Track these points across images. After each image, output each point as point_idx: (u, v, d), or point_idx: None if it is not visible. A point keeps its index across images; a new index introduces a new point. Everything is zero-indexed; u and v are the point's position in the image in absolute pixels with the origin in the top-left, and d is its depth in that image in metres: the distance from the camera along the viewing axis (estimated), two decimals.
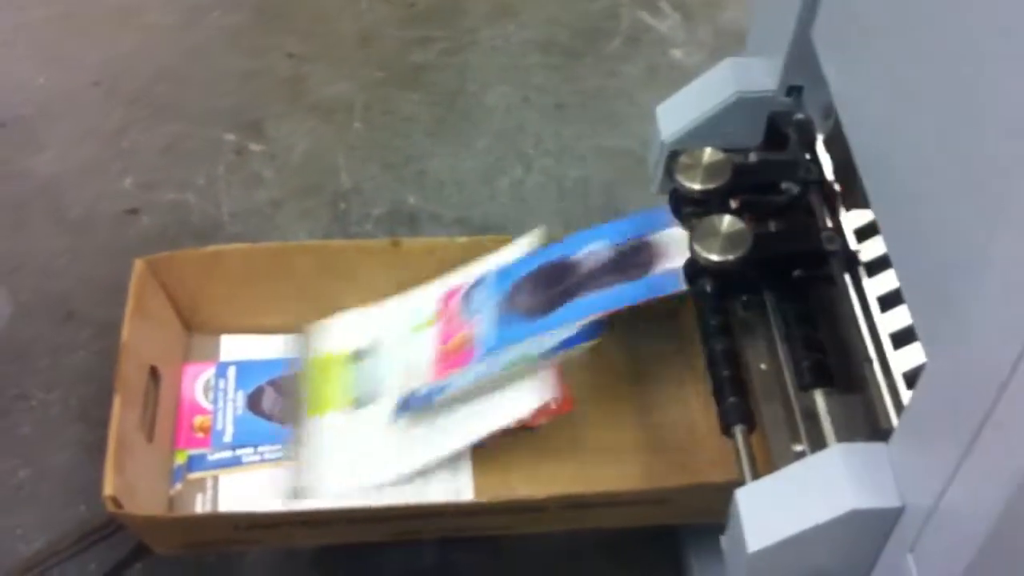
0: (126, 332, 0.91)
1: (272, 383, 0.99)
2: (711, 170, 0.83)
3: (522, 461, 0.94)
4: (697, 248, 0.79)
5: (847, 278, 0.76)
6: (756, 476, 0.72)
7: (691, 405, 0.97)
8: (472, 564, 0.99)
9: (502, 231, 1.25)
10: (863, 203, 0.75)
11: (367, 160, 1.35)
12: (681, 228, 0.88)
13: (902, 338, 0.71)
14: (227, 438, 0.95)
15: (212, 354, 1.01)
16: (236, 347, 1.01)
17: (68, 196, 1.29)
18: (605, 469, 0.94)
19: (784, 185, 0.82)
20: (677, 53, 1.49)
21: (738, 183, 0.83)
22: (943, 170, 0.58)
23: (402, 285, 1.02)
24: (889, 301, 0.73)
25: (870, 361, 0.72)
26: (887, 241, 0.67)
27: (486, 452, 0.95)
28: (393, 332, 1.00)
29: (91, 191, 1.30)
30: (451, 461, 0.94)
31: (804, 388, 0.75)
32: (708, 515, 0.76)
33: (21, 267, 1.21)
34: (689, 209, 0.84)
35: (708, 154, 0.84)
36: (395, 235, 1.23)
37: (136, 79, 1.43)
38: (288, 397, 0.98)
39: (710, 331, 0.81)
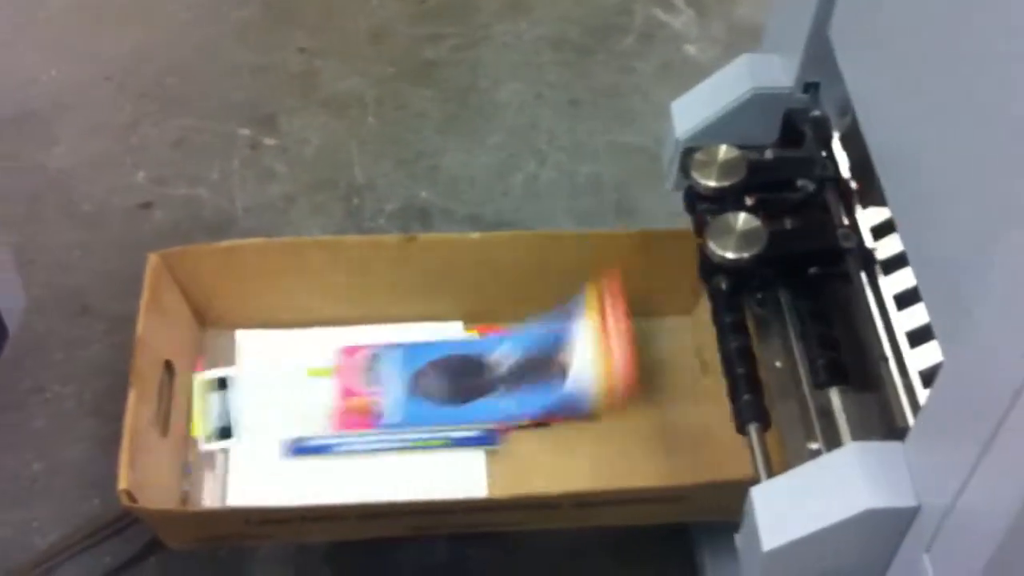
0: (141, 327, 0.91)
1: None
2: (726, 167, 0.83)
3: (536, 457, 0.95)
4: (712, 246, 0.78)
5: (863, 276, 0.76)
6: (771, 474, 0.72)
7: (705, 403, 0.97)
8: (485, 560, 0.99)
9: (515, 227, 1.26)
10: (879, 201, 0.75)
11: (380, 155, 1.35)
12: (589, 343, 0.97)
13: (918, 336, 0.70)
14: None
15: (227, 349, 1.01)
16: (250, 342, 1.01)
17: (81, 190, 1.30)
18: (619, 466, 0.94)
19: (800, 182, 0.82)
20: (691, 49, 1.49)
21: (753, 180, 0.82)
22: (961, 168, 0.57)
23: (415, 281, 1.02)
24: (905, 299, 0.72)
25: (886, 359, 0.72)
26: (904, 239, 0.67)
27: (500, 448, 0.95)
28: (288, 368, 1.00)
29: (104, 185, 1.30)
30: (464, 458, 0.94)
31: (819, 386, 0.75)
32: (722, 513, 0.76)
33: (34, 261, 1.22)
34: (704, 206, 0.83)
35: (723, 151, 0.83)
36: (408, 231, 1.24)
37: (148, 73, 1.43)
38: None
39: (725, 329, 0.80)
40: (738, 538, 0.69)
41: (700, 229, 0.81)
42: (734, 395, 0.78)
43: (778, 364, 0.82)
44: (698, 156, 0.83)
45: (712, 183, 0.82)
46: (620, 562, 0.99)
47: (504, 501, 0.87)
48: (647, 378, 1.00)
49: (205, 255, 1.00)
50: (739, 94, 0.86)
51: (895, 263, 0.74)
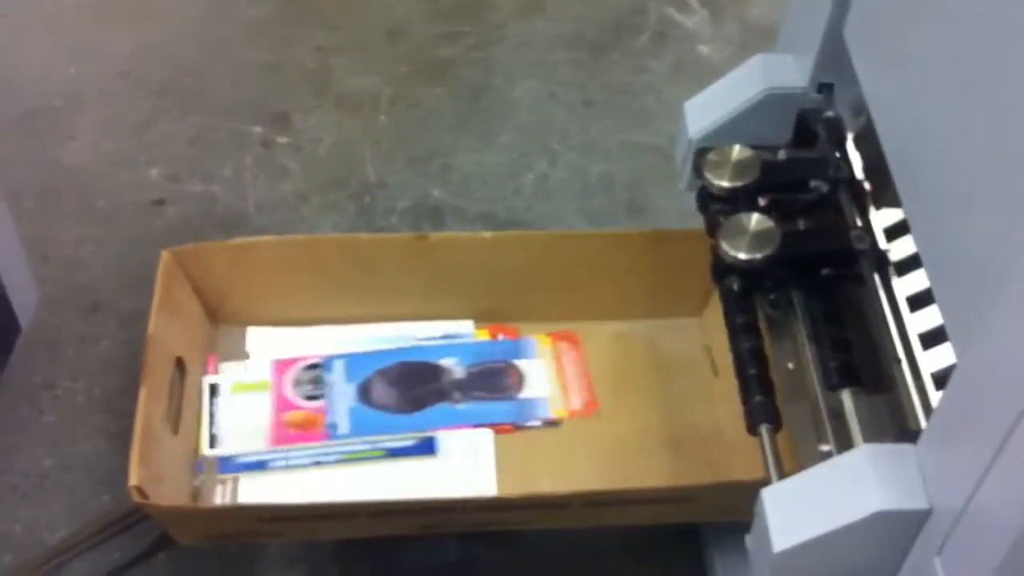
0: (152, 324, 0.91)
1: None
2: (739, 167, 0.82)
3: (546, 457, 0.94)
4: (725, 246, 0.78)
5: (876, 277, 0.75)
6: (782, 476, 0.71)
7: (717, 403, 0.97)
8: (493, 560, 0.99)
9: (526, 226, 1.26)
10: (893, 202, 0.75)
11: (392, 154, 1.35)
12: (540, 360, 0.98)
13: (931, 338, 0.70)
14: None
15: (238, 346, 1.01)
16: (262, 339, 1.01)
17: (95, 186, 1.30)
18: (629, 466, 0.93)
19: (813, 183, 0.82)
20: (705, 49, 1.49)
21: (767, 181, 0.82)
22: (977, 169, 0.57)
23: (426, 279, 1.02)
24: (918, 301, 0.72)
25: (899, 361, 0.71)
26: (918, 241, 0.67)
27: (510, 447, 0.95)
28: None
29: (118, 181, 1.31)
30: (474, 456, 0.94)
31: (831, 388, 0.74)
32: (732, 514, 0.76)
33: (48, 257, 1.22)
34: (717, 206, 0.83)
35: (737, 151, 0.83)
36: (419, 229, 1.24)
37: (164, 70, 1.44)
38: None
39: (737, 329, 0.80)
40: (748, 539, 0.69)
41: (713, 229, 0.81)
42: (745, 396, 0.77)
43: (790, 365, 0.81)
44: (711, 156, 0.83)
45: (725, 183, 0.82)
46: (629, 562, 0.98)
47: (513, 500, 0.87)
48: (658, 377, 1.00)
49: (217, 252, 1.00)
50: (753, 94, 0.86)
51: (908, 265, 0.74)
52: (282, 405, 0.97)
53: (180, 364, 0.94)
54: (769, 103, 0.85)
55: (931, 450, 0.61)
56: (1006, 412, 0.50)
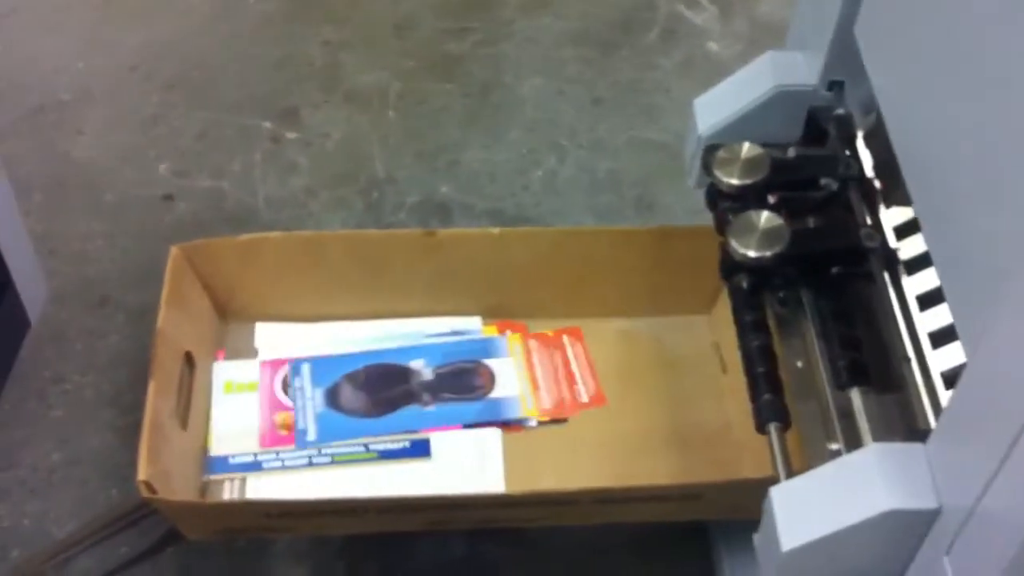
0: (161, 319, 0.91)
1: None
2: (749, 165, 0.82)
3: (554, 453, 0.94)
4: (734, 244, 0.78)
5: (886, 276, 0.75)
6: (790, 474, 0.71)
7: (725, 401, 0.97)
8: (501, 556, 0.99)
9: (534, 222, 1.26)
10: (903, 200, 0.74)
11: (401, 150, 1.35)
12: (510, 358, 0.98)
13: (941, 337, 0.70)
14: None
15: (247, 342, 1.01)
16: (270, 335, 1.01)
17: (104, 181, 1.30)
18: (637, 463, 0.93)
19: (823, 181, 0.82)
20: (714, 46, 1.48)
21: (776, 178, 0.82)
22: (987, 168, 0.57)
23: (434, 275, 1.01)
24: (928, 300, 0.72)
25: (908, 360, 0.71)
26: (928, 239, 0.67)
27: (518, 443, 0.95)
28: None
29: (127, 176, 1.31)
30: (481, 452, 0.94)
31: (841, 387, 0.74)
32: (741, 512, 0.76)
33: (56, 251, 1.22)
34: (726, 204, 0.83)
35: (746, 149, 0.83)
36: (428, 225, 1.24)
37: (173, 65, 1.44)
38: None
39: (746, 327, 0.80)
40: (756, 538, 0.69)
41: (722, 227, 0.81)
42: (754, 394, 0.77)
43: (799, 364, 0.81)
44: (721, 154, 0.83)
45: (734, 181, 0.82)
46: (637, 560, 0.98)
47: (522, 497, 0.87)
48: (666, 375, 1.00)
49: (226, 248, 1.00)
50: (763, 91, 0.85)
51: (918, 263, 0.74)
52: (272, 406, 0.97)
53: (189, 359, 0.94)
54: (779, 101, 0.85)
55: (941, 449, 0.61)
56: (1016, 412, 0.50)
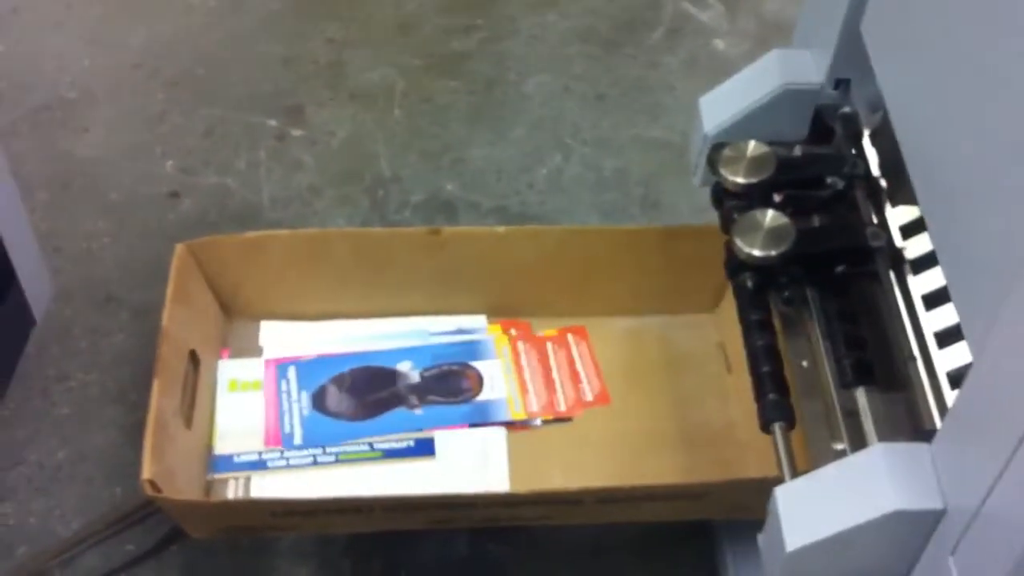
0: (166, 317, 0.91)
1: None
2: (755, 163, 0.82)
3: (559, 452, 0.94)
4: (739, 243, 0.78)
5: (892, 275, 0.75)
6: (795, 474, 0.71)
7: (730, 400, 0.97)
8: (504, 555, 0.99)
9: (539, 220, 1.26)
10: (909, 199, 0.74)
11: (406, 147, 1.35)
12: (498, 360, 0.98)
13: (947, 337, 0.70)
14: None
15: (251, 340, 1.01)
16: (275, 333, 1.01)
17: (109, 178, 1.30)
18: (642, 462, 0.93)
19: (829, 179, 0.81)
20: (720, 44, 1.48)
21: (782, 177, 0.82)
22: (994, 167, 0.57)
23: (439, 274, 1.01)
24: (934, 299, 0.72)
25: (914, 360, 0.71)
26: (934, 238, 0.66)
27: (522, 443, 0.95)
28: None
29: (132, 174, 1.31)
30: (485, 452, 0.94)
31: (846, 386, 0.74)
32: (745, 511, 0.76)
33: (61, 249, 1.22)
34: (731, 203, 0.83)
35: (752, 147, 0.83)
36: (432, 223, 1.23)
37: (178, 62, 1.44)
38: None
39: (751, 326, 0.80)
40: (761, 538, 0.69)
41: (727, 226, 0.81)
42: (759, 393, 0.77)
43: (804, 363, 0.81)
44: (726, 152, 0.83)
45: (740, 179, 0.82)
46: (640, 560, 0.98)
47: (526, 496, 0.86)
48: (671, 374, 0.99)
49: (231, 246, 1.00)
50: (769, 90, 0.85)
51: (924, 262, 0.74)
52: (274, 406, 0.96)
53: (193, 357, 0.94)
54: (785, 99, 0.85)
55: (946, 450, 0.61)
56: (1021, 412, 0.50)
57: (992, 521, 0.55)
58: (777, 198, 0.82)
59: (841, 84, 0.83)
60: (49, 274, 1.14)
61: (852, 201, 0.80)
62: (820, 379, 0.78)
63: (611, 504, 0.86)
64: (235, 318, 1.02)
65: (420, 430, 0.95)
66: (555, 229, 1.10)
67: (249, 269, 1.00)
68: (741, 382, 0.82)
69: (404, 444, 0.94)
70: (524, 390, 0.98)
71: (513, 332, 1.02)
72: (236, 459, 0.92)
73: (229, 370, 0.98)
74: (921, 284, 0.73)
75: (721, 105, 0.88)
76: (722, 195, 0.84)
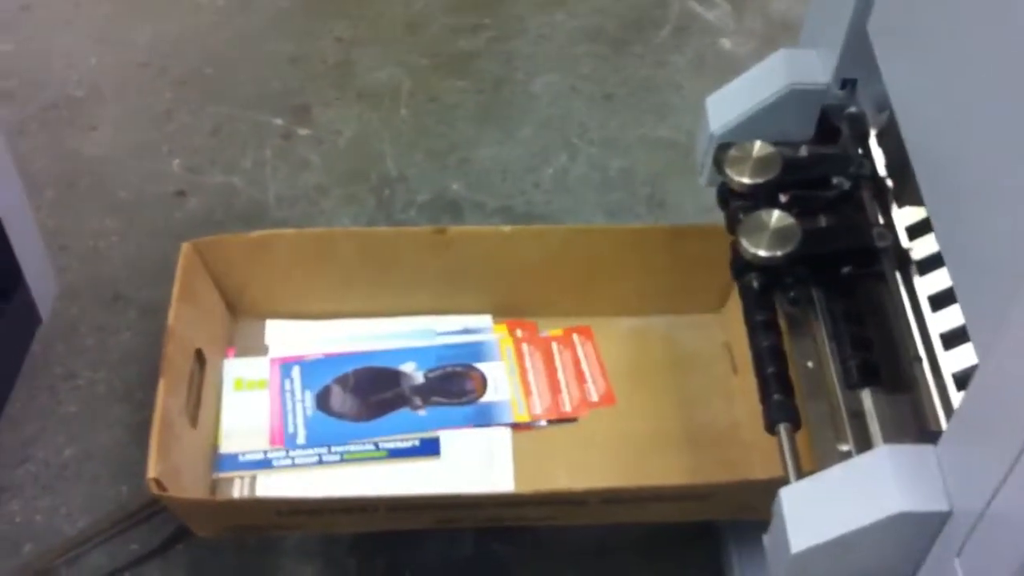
0: (172, 316, 0.91)
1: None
2: (761, 164, 0.82)
3: (564, 452, 0.94)
4: (745, 243, 0.78)
5: (898, 276, 0.75)
6: (800, 475, 0.71)
7: (736, 400, 0.96)
8: (509, 555, 0.99)
9: (545, 220, 1.26)
10: (915, 199, 0.74)
11: (412, 147, 1.35)
12: (502, 362, 0.97)
13: (953, 338, 0.69)
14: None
15: (257, 339, 1.01)
16: (281, 332, 1.01)
17: (116, 177, 1.30)
18: (647, 463, 0.93)
19: (835, 180, 0.81)
20: (726, 43, 1.48)
21: (788, 177, 0.81)
22: (1001, 167, 0.56)
23: (445, 273, 1.01)
24: (940, 300, 0.72)
25: (919, 361, 0.71)
26: (940, 239, 0.66)
27: (527, 443, 0.95)
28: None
29: (139, 172, 1.31)
30: (490, 452, 0.94)
31: (851, 387, 0.74)
32: (750, 512, 0.76)
33: (68, 247, 1.22)
34: (737, 203, 0.82)
35: (758, 147, 0.82)
36: (438, 223, 1.23)
37: (185, 61, 1.44)
38: None
39: (756, 327, 0.80)
40: (766, 539, 0.69)
41: (733, 226, 0.80)
42: (764, 394, 0.77)
43: (809, 364, 0.81)
44: (732, 152, 0.83)
45: (746, 180, 0.82)
46: (646, 560, 0.98)
47: (531, 496, 0.86)
48: (677, 374, 0.99)
49: (237, 245, 1.00)
50: (776, 90, 0.85)
51: (930, 263, 0.74)
52: (278, 405, 0.96)
53: (199, 356, 0.94)
54: (792, 99, 0.85)
55: (952, 451, 0.61)
56: None
57: (998, 523, 0.55)
58: (783, 198, 0.82)
59: (847, 84, 0.83)
60: (55, 273, 1.14)
61: (858, 201, 0.80)
62: (825, 380, 0.78)
63: (616, 504, 0.86)
64: (241, 317, 1.02)
65: (423, 431, 0.94)
66: (560, 229, 1.10)
67: (255, 268, 1.00)
68: (747, 382, 0.82)
69: (409, 444, 0.94)
70: (528, 392, 0.98)
71: (519, 333, 1.02)
72: (241, 458, 0.92)
73: (235, 369, 0.98)
74: (927, 285, 0.73)
75: (727, 105, 0.88)
76: (728, 195, 0.83)
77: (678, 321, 1.03)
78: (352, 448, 0.93)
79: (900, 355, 0.73)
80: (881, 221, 0.78)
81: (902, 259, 0.75)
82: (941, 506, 0.60)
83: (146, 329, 1.14)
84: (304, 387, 0.97)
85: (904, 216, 0.78)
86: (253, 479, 0.91)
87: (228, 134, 1.35)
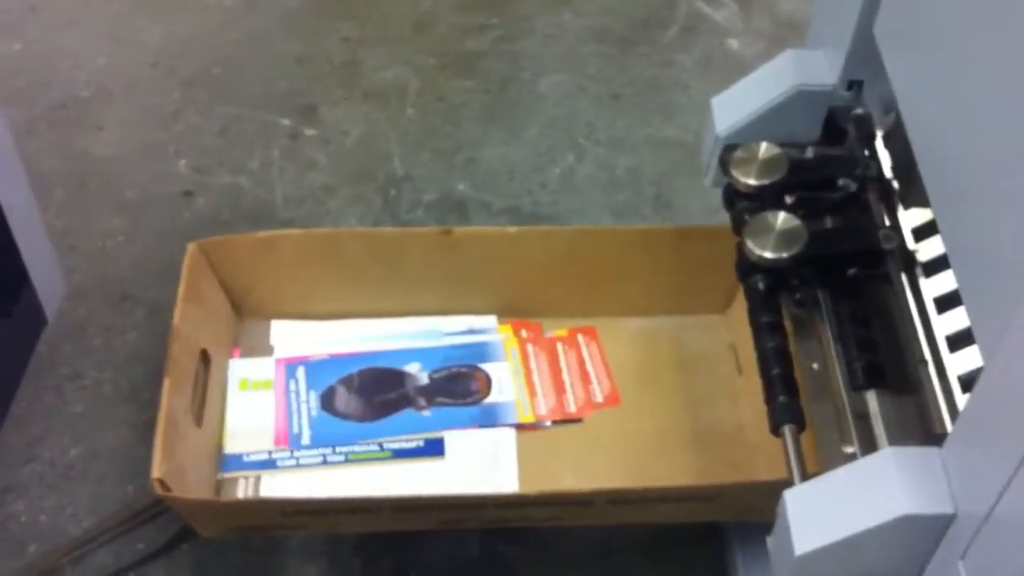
0: (177, 316, 0.91)
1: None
2: (767, 165, 0.82)
3: (569, 453, 0.94)
4: (750, 244, 0.77)
5: (903, 278, 0.75)
6: (805, 477, 0.71)
7: (741, 401, 0.96)
8: (514, 556, 0.99)
9: (552, 220, 1.26)
10: (922, 201, 0.74)
11: (419, 147, 1.35)
12: (507, 363, 0.97)
13: (958, 341, 0.69)
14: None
15: (263, 339, 1.01)
16: (287, 333, 1.02)
17: (124, 177, 1.31)
18: (652, 464, 0.93)
19: (841, 181, 0.81)
20: (734, 43, 1.48)
21: (794, 179, 0.81)
22: (1007, 169, 0.56)
23: (451, 274, 1.01)
24: (946, 302, 0.71)
25: (925, 363, 0.70)
26: (946, 241, 0.66)
27: (532, 443, 0.95)
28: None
29: (146, 173, 1.31)
30: (495, 452, 0.94)
31: (856, 389, 0.74)
32: (754, 514, 0.76)
33: (76, 247, 1.23)
34: (743, 204, 0.82)
35: (764, 148, 0.82)
36: (445, 223, 1.23)
37: (193, 61, 1.44)
38: None
39: (761, 328, 0.79)
40: (770, 541, 0.69)
41: (738, 227, 0.80)
42: (769, 396, 0.77)
43: (815, 365, 0.81)
44: (738, 153, 0.83)
45: (752, 181, 0.81)
46: (651, 561, 0.98)
47: (536, 497, 0.86)
48: (682, 375, 0.99)
49: (243, 245, 1.00)
50: (782, 91, 0.85)
51: (936, 265, 0.73)
52: (283, 406, 0.96)
53: (205, 356, 0.94)
54: (799, 100, 0.84)
55: (957, 454, 0.60)
56: None
57: (1002, 526, 0.55)
58: (789, 200, 0.81)
59: (854, 85, 0.83)
60: (62, 273, 1.14)
61: (864, 203, 0.80)
62: (831, 382, 0.78)
63: (621, 505, 0.86)
64: (246, 317, 1.03)
65: (428, 432, 0.94)
66: (566, 229, 1.10)
67: (261, 268, 1.00)
68: (752, 384, 0.82)
69: (414, 444, 0.94)
70: (532, 393, 0.98)
71: (524, 333, 1.02)
72: (246, 458, 0.92)
73: (240, 369, 0.98)
74: (933, 287, 0.73)
75: (733, 106, 0.87)
76: (734, 196, 0.83)
77: (683, 322, 1.03)
78: (356, 448, 0.93)
79: (905, 357, 0.73)
80: (887, 223, 0.78)
81: (908, 261, 0.75)
82: (946, 508, 0.60)
83: (153, 329, 1.14)
84: (309, 387, 0.97)
85: (910, 218, 0.77)
86: (257, 479, 0.92)
87: (235, 134, 1.36)
